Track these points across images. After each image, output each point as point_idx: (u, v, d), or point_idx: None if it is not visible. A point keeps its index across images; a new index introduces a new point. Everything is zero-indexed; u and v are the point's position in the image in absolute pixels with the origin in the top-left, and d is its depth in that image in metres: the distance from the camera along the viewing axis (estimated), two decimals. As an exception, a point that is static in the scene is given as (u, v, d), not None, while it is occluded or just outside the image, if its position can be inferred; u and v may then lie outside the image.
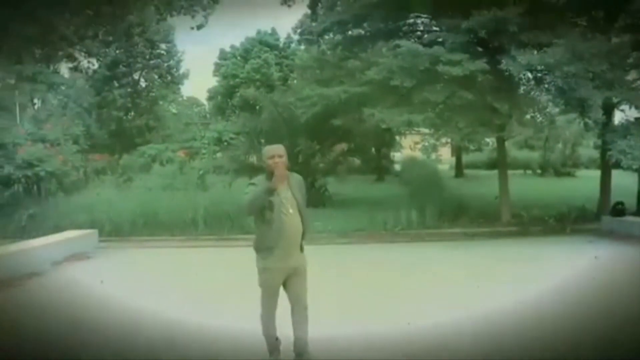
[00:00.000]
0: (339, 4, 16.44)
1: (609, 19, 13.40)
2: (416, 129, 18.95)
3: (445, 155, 34.14)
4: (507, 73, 12.57)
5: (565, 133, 26.18)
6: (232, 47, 39.35)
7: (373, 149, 25.13)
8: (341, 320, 6.22)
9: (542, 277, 8.46)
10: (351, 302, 7.11)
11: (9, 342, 5.72)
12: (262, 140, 17.75)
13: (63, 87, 29.10)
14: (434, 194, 16.23)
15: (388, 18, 14.68)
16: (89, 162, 21.13)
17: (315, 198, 16.47)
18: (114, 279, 8.89)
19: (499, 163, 15.60)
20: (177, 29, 32.57)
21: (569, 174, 28.27)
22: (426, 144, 30.41)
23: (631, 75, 13.00)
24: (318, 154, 17.46)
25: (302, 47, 28.35)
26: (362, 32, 15.78)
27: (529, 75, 13.55)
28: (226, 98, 36.90)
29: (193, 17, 16.99)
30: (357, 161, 21.33)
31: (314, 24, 17.54)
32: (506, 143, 15.96)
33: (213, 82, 39.95)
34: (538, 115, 14.45)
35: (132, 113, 33.55)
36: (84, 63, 31.09)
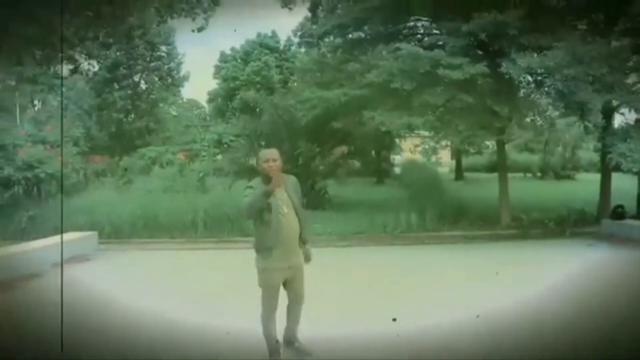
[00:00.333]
0: (339, 7, 16.49)
1: (609, 22, 13.44)
2: (416, 131, 18.97)
3: (445, 158, 34.12)
4: (507, 76, 12.58)
5: (565, 136, 26.21)
6: (233, 49, 39.38)
7: (373, 152, 25.13)
8: (341, 320, 6.23)
9: (541, 279, 8.46)
10: (351, 303, 7.12)
11: (9, 343, 5.72)
12: (263, 143, 17.75)
13: (63, 89, 29.12)
14: (433, 196, 16.23)
15: (388, 21, 14.71)
16: (89, 164, 21.13)
17: (315, 200, 16.47)
18: (113, 281, 8.89)
19: (499, 166, 15.61)
20: (177, 31, 32.58)
21: (568, 177, 28.27)
22: (426, 146, 30.38)
23: (631, 79, 13.01)
24: (318, 156, 17.45)
25: (303, 49, 28.39)
26: (363, 35, 15.81)
27: (529, 78, 13.55)
28: (226, 100, 36.91)
29: (194, 19, 17.05)
30: (357, 164, 21.31)
31: (314, 26, 17.60)
32: (506, 146, 15.97)
33: (213, 84, 39.97)
34: (538, 119, 14.46)
35: (132, 115, 33.55)
36: (84, 65, 31.09)
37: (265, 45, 38.24)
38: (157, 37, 32.37)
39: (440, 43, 13.21)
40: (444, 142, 22.12)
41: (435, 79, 12.46)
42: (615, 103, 13.07)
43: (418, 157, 30.71)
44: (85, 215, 13.46)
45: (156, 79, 34.62)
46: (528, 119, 14.31)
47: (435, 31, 14.91)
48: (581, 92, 11.79)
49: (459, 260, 10.47)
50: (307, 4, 18.24)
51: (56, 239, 11.13)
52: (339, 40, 16.41)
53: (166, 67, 34.65)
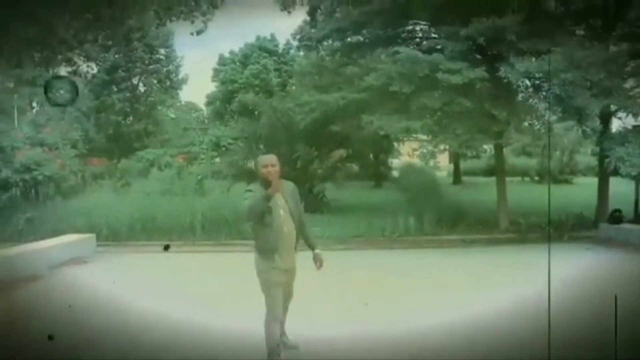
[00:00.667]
0: (338, 11, 16.49)
1: (607, 27, 13.47)
2: (414, 135, 18.97)
3: (443, 162, 34.16)
4: (505, 80, 12.62)
5: (563, 140, 26.24)
6: (231, 52, 39.37)
7: (371, 156, 25.11)
8: (341, 322, 6.25)
9: (539, 283, 8.44)
10: (350, 305, 7.12)
11: (7, 345, 5.71)
12: (261, 146, 17.75)
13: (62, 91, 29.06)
14: (432, 200, 16.24)
15: (387, 25, 14.73)
16: (87, 166, 21.10)
17: (313, 204, 16.45)
18: (111, 283, 8.88)
19: (497, 170, 15.64)
20: (176, 34, 32.56)
21: (566, 181, 28.29)
22: (424, 150, 30.39)
23: (629, 83, 13.05)
24: (316, 159, 17.45)
25: (301, 53, 28.37)
26: (361, 38, 15.82)
27: (527, 82, 13.59)
28: (225, 103, 36.84)
29: (193, 22, 17.02)
30: (355, 167, 21.31)
31: (313, 30, 17.58)
32: (504, 150, 16.00)
33: (212, 87, 39.93)
34: (536, 123, 14.49)
35: (131, 118, 33.51)
36: (83, 67, 31.04)
37: (264, 48, 38.23)
38: (156, 39, 32.33)
39: (439, 47, 13.24)
40: (442, 146, 22.17)
41: (433, 83, 12.49)
42: (613, 108, 13.09)
43: (416, 160, 30.75)
44: (83, 217, 13.48)
45: (155, 81, 34.58)
46: (526, 123, 14.33)
47: (433, 35, 14.94)
48: (579, 96, 11.82)
49: (457, 264, 10.47)
50: (306, 8, 18.24)
51: (54, 241, 11.14)
52: (337, 44, 16.43)
53: (165, 69, 34.62)
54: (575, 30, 13.84)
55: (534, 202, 17.45)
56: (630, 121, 13.30)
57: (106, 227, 13.21)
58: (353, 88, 14.74)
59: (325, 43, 17.16)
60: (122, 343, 5.78)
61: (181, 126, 36.71)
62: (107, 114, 32.01)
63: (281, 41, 39.10)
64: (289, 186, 5.14)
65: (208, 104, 41.61)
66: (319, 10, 17.41)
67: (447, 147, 22.49)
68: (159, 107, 35.93)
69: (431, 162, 31.74)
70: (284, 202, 4.98)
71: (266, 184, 4.81)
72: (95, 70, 32.02)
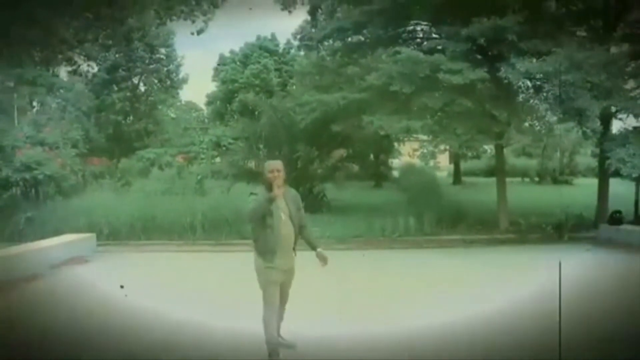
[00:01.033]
0: (339, 11, 16.52)
1: (608, 28, 13.48)
2: (415, 135, 18.98)
3: (443, 163, 34.18)
4: (506, 81, 12.63)
5: (563, 141, 26.26)
6: (232, 52, 39.38)
7: (371, 156, 25.13)
8: (341, 321, 6.25)
9: (539, 284, 8.46)
10: (350, 305, 7.13)
11: (8, 345, 5.72)
12: (261, 146, 17.77)
13: (62, 91, 29.10)
14: (432, 200, 16.24)
15: (388, 25, 14.73)
16: (87, 166, 21.10)
17: (314, 204, 16.47)
18: (111, 283, 8.88)
19: (497, 170, 15.65)
20: (177, 34, 32.58)
21: (566, 182, 28.31)
22: (424, 150, 30.41)
23: (629, 84, 13.06)
24: (317, 159, 17.47)
25: (302, 53, 28.39)
26: (362, 38, 15.84)
27: (528, 83, 13.60)
28: (225, 103, 36.88)
29: (193, 22, 17.02)
30: (355, 167, 21.33)
31: (314, 30, 17.63)
32: (504, 150, 16.01)
33: (212, 87, 39.95)
34: (536, 124, 14.49)
35: (131, 117, 33.54)
36: (84, 67, 31.04)
37: (265, 48, 38.25)
38: (157, 39, 32.35)
39: (440, 47, 13.25)
40: (442, 146, 22.20)
41: (434, 83, 12.49)
42: (613, 109, 13.10)
43: (416, 161, 30.77)
44: (83, 217, 13.47)
45: (155, 81, 34.62)
46: (526, 124, 14.34)
47: (434, 35, 14.96)
48: (579, 98, 11.84)
49: (457, 264, 10.48)
50: (307, 7, 18.27)
51: (54, 240, 11.15)
52: (338, 44, 16.44)
53: (165, 69, 34.66)
54: (576, 32, 13.85)
55: (534, 202, 17.49)
56: (631, 122, 13.33)
57: (107, 227, 13.19)
58: (354, 88, 14.75)
59: (326, 43, 17.18)
60: (123, 343, 5.78)
61: (181, 126, 36.75)
62: (107, 113, 32.05)
63: (282, 41, 39.14)
64: (292, 192, 5.41)
65: (208, 103, 41.65)
66: (319, 10, 17.45)
67: (448, 147, 22.52)
68: (160, 107, 35.98)
69: (431, 163, 31.78)
70: (285, 206, 5.20)
71: (270, 188, 5.06)
72: (95, 70, 32.06)
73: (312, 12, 17.94)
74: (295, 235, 5.26)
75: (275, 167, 5.19)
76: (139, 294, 7.94)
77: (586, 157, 28.63)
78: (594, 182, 16.16)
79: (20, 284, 8.56)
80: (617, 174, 13.17)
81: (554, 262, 10.47)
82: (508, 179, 15.72)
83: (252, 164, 18.08)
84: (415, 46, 14.75)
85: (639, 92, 13.25)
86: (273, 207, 5.06)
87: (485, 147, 24.18)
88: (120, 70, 32.37)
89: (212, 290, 8.11)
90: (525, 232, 13.54)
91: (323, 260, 5.30)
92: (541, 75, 12.48)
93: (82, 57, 28.09)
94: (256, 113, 21.61)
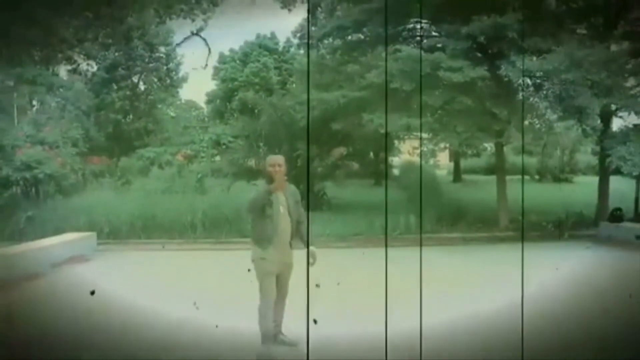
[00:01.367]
0: (338, 9, 16.49)
1: (608, 26, 13.47)
2: (415, 133, 18.96)
3: (443, 161, 34.11)
4: (506, 79, 12.62)
5: (563, 139, 26.23)
6: (231, 50, 39.29)
7: (371, 154, 25.08)
8: (341, 320, 6.24)
9: (539, 282, 8.47)
10: (350, 304, 7.12)
11: (8, 344, 5.71)
12: (261, 144, 17.74)
13: (61, 90, 29.02)
14: (432, 198, 16.23)
15: (388, 23, 14.70)
16: (87, 164, 21.08)
17: (314, 202, 16.47)
18: (112, 282, 8.90)
19: (498, 168, 15.64)
20: (176, 33, 32.47)
21: (567, 180, 28.27)
22: (424, 149, 30.31)
23: (630, 82, 13.05)
24: (317, 158, 17.46)
25: (302, 51, 28.34)
26: (362, 36, 15.82)
27: (528, 81, 13.60)
28: (225, 102, 36.76)
29: (193, 20, 17.04)
30: (355, 165, 21.30)
31: (313, 28, 17.57)
32: (504, 148, 16.00)
33: (212, 85, 39.86)
34: (537, 122, 14.49)
35: (131, 116, 33.46)
36: (83, 65, 30.97)
37: (264, 46, 38.12)
38: (156, 38, 32.26)
39: (440, 45, 13.24)
40: (442, 144, 22.17)
41: (434, 81, 12.49)
42: (613, 107, 13.10)
43: (416, 159, 30.70)
44: (84, 215, 13.48)
45: (155, 79, 34.51)
46: (527, 122, 14.34)
47: (434, 33, 14.95)
48: (580, 96, 11.83)
49: (458, 262, 10.49)
50: (307, 5, 18.24)
51: (55, 239, 11.16)
52: (338, 42, 16.43)
53: (165, 68, 34.54)
54: (576, 29, 13.84)
55: (534, 200, 17.48)
56: (631, 120, 13.33)
57: (107, 226, 13.22)
58: (353, 86, 14.74)
59: (325, 41, 17.15)
60: (123, 341, 5.77)
61: (181, 124, 36.61)
62: (107, 112, 31.94)
63: (281, 39, 39.02)
64: (291, 188, 5.61)
65: (208, 102, 41.53)
66: (319, 8, 17.41)
67: (448, 145, 22.48)
68: (159, 106, 35.85)
69: (431, 161, 31.71)
70: (285, 200, 5.42)
71: (271, 181, 5.32)
72: (95, 69, 31.98)
73: (312, 11, 17.89)
74: (292, 229, 5.46)
75: (276, 161, 5.47)
76: (139, 293, 7.96)
77: (586, 155, 28.56)
78: (594, 180, 16.16)
79: (21, 283, 8.57)
80: (617, 171, 13.17)
81: (555, 260, 10.54)
82: (508, 177, 15.71)
83: (252, 163, 18.06)
84: (415, 44, 14.75)
85: (639, 90, 13.25)
86: (273, 198, 5.30)
87: (485, 145, 24.12)
88: (119, 69, 32.22)
89: (213, 288, 8.10)
90: (526, 229, 13.55)
91: (312, 258, 5.39)
92: (541, 73, 12.48)
93: (81, 56, 28.08)
94: (256, 111, 21.59)
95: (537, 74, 12.75)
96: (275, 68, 36.77)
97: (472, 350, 5.46)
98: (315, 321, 5.52)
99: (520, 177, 28.55)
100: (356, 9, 14.67)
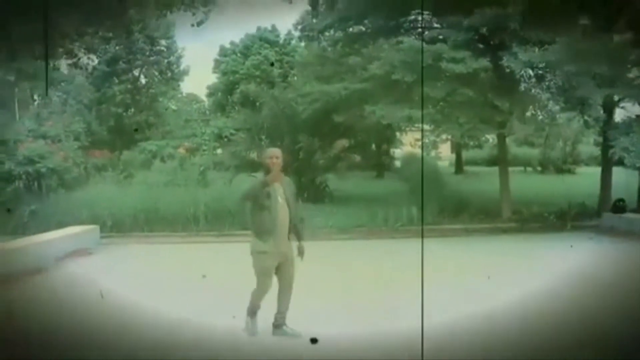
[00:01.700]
0: (339, 1, 16.42)
1: (611, 17, 13.40)
2: (417, 125, 18.93)
3: (445, 152, 34.08)
4: (508, 70, 12.59)
5: (565, 130, 26.19)
6: (232, 43, 39.20)
7: (373, 146, 25.08)
8: (342, 319, 6.23)
9: (542, 273, 8.49)
10: (353, 299, 7.13)
11: (11, 338, 5.73)
12: (263, 137, 17.75)
13: (63, 84, 29.05)
14: (434, 190, 16.23)
15: (389, 15, 14.67)
16: (89, 158, 21.09)
17: (316, 194, 16.50)
18: (116, 274, 8.94)
19: (500, 160, 15.63)
20: (177, 26, 32.37)
21: (569, 171, 28.25)
22: (426, 140, 30.28)
23: (633, 73, 13.01)
24: (319, 150, 17.45)
25: (303, 43, 28.25)
26: (363, 28, 15.79)
27: (530, 72, 13.56)
28: (226, 94, 36.73)
29: (194, 14, 16.96)
30: (357, 158, 21.29)
31: (314, 20, 17.53)
32: (506, 140, 15.99)
33: (213, 78, 39.78)
34: (539, 113, 14.48)
35: (132, 109, 33.45)
36: (84, 59, 30.92)
37: (265, 39, 38.06)
38: (157, 31, 32.21)
39: (442, 37, 13.21)
40: (444, 136, 22.15)
41: (436, 73, 12.46)
42: (616, 97, 13.07)
43: (418, 151, 30.66)
44: (86, 209, 13.52)
45: (156, 73, 34.47)
46: (529, 113, 14.32)
47: (436, 25, 14.90)
48: (582, 87, 11.80)
49: (460, 254, 10.50)
50: (308, -2, 18.14)
51: (58, 233, 11.19)
52: (339, 34, 16.39)
53: (166, 61, 34.49)
54: (579, 20, 13.77)
55: (537, 191, 17.49)
56: (634, 110, 13.30)
57: (110, 219, 13.25)
58: (355, 78, 14.71)
59: (327, 33, 17.11)
60: (123, 341, 5.69)
61: (183, 117, 36.60)
62: (108, 105, 31.95)
63: (282, 32, 38.89)
64: (287, 180, 5.78)
65: (209, 95, 41.49)
66: (320, 0, 17.34)
67: (449, 137, 22.45)
68: (160, 99, 35.84)
69: (433, 153, 31.69)
70: (282, 191, 5.57)
71: (268, 172, 5.46)
72: (96, 62, 31.94)
73: (313, 3, 17.82)
74: (291, 219, 5.58)
75: (274, 153, 5.61)
76: (143, 286, 7.99)
77: (589, 146, 28.52)
78: (596, 170, 16.16)
79: (24, 277, 8.59)
80: (620, 162, 13.15)
81: (558, 251, 10.55)
82: (510, 169, 15.72)
83: (254, 155, 18.05)
84: (417, 36, 14.71)
85: (642, 80, 13.22)
86: (271, 190, 5.44)
87: (487, 136, 24.09)
88: (120, 62, 32.22)
89: (216, 281, 8.10)
90: (528, 221, 13.56)
91: (301, 253, 5.67)
92: (543, 64, 12.44)
93: (82, 49, 28.03)
94: (257, 104, 21.58)
95: (539, 65, 12.72)
96: (277, 60, 36.68)
97: (471, 350, 5.42)
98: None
99: (522, 168, 28.64)
100: (357, 0, 14.62)
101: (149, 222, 13.51)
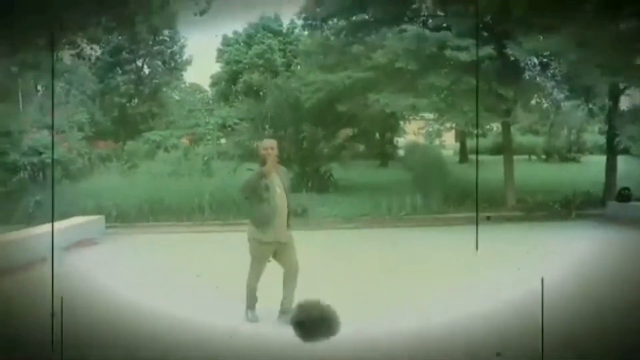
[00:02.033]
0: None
1: (617, 4, 13.29)
2: (420, 114, 18.88)
3: (449, 141, 33.98)
4: (512, 58, 12.53)
5: (570, 118, 26.07)
6: (235, 32, 39.06)
7: (377, 135, 25.05)
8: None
9: (546, 261, 8.48)
10: (357, 287, 7.12)
11: (17, 328, 5.76)
12: (267, 126, 17.73)
13: (66, 75, 29.00)
14: (438, 179, 16.20)
15: (393, 3, 14.59)
16: (94, 149, 21.13)
17: (320, 184, 16.51)
18: (121, 264, 8.98)
19: (505, 148, 15.60)
20: (180, 15, 32.24)
21: (574, 160, 28.16)
22: (430, 129, 30.18)
23: (639, 60, 12.92)
24: (323, 139, 17.44)
25: (306, 32, 28.12)
26: (367, 17, 15.71)
27: (535, 60, 13.49)
28: (230, 84, 36.68)
29: (196, 3, 16.87)
30: (361, 147, 21.27)
31: (318, 9, 17.43)
32: (511, 128, 15.94)
33: (216, 68, 39.69)
34: (544, 101, 14.42)
35: (136, 100, 33.45)
36: (87, 50, 30.88)
37: (268, 28, 37.94)
38: (160, 21, 32.06)
39: (445, 25, 13.14)
40: (448, 124, 22.06)
41: (440, 61, 12.42)
42: (621, 85, 12.99)
43: (422, 139, 30.58)
44: (91, 199, 13.55)
45: (159, 63, 34.42)
46: (533, 102, 14.27)
47: (440, 13, 14.81)
48: (587, 75, 11.74)
49: (464, 242, 10.50)
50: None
51: (64, 223, 11.23)
52: (343, 23, 16.32)
53: (169, 51, 34.43)
54: (585, 7, 13.67)
55: (541, 180, 17.45)
56: (640, 98, 13.24)
57: (114, 209, 13.29)
58: (359, 67, 14.67)
59: (330, 22, 17.04)
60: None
61: (186, 107, 36.57)
62: (112, 96, 31.95)
63: (285, 21, 38.72)
64: (282, 169, 5.86)
65: (213, 84, 41.40)
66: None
67: (454, 125, 22.35)
68: (164, 89, 35.80)
69: (437, 141, 31.58)
70: (280, 180, 5.68)
71: (264, 163, 5.51)
72: (99, 53, 31.89)
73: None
74: (289, 207, 5.70)
75: (269, 144, 5.68)
76: (148, 276, 8.03)
77: (594, 135, 28.40)
78: (601, 159, 16.10)
79: (30, 267, 8.63)
80: (625, 151, 13.11)
81: (562, 239, 10.53)
82: (515, 157, 15.67)
83: (258, 145, 18.01)
84: (421, 24, 14.63)
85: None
86: (269, 181, 5.52)
87: (492, 125, 24.01)
88: (123, 52, 32.19)
89: (220, 271, 8.09)
90: (533, 209, 13.54)
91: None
92: (548, 52, 12.37)
93: (85, 40, 27.94)
94: (261, 94, 21.55)
95: (544, 53, 12.65)
96: (280, 50, 36.56)
97: (472, 339, 5.40)
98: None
99: (527, 157, 28.55)
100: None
101: (154, 212, 13.54)
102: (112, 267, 8.80)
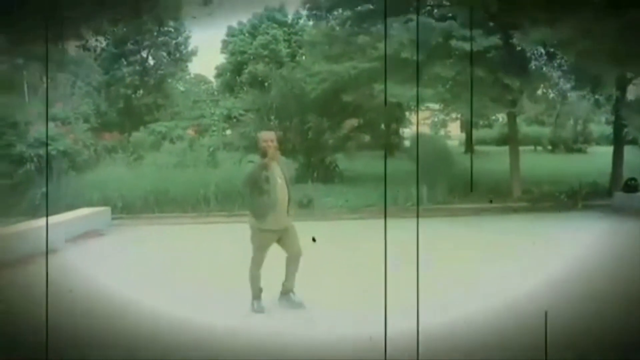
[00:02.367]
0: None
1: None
2: (426, 104, 18.82)
3: (454, 131, 33.88)
4: (518, 48, 12.46)
5: (577, 109, 25.94)
6: (240, 23, 38.91)
7: (382, 125, 24.96)
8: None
9: (552, 252, 8.48)
10: (360, 283, 7.09)
11: (22, 320, 5.78)
12: (272, 117, 17.70)
13: (72, 66, 29.02)
14: (444, 169, 16.15)
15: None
16: (99, 140, 21.17)
17: (326, 174, 16.49)
18: (127, 255, 9.02)
19: (510, 139, 15.53)
20: (184, 6, 32.16)
21: (580, 150, 28.03)
22: (435, 119, 30.14)
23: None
24: (328, 130, 17.41)
25: (311, 22, 28.03)
26: (372, 7, 15.62)
27: (541, 50, 13.41)
28: (235, 75, 36.59)
29: (201, -5, 16.84)
30: (366, 137, 21.22)
31: (322, -1, 17.37)
32: (517, 119, 15.87)
33: (221, 59, 39.60)
34: (550, 91, 14.34)
35: (141, 91, 33.44)
36: (92, 41, 30.86)
37: (273, 18, 37.79)
38: (165, 11, 31.99)
39: (451, 15, 13.06)
40: (453, 115, 22.00)
41: (446, 51, 12.36)
42: (629, 75, 12.90)
43: (427, 130, 30.51)
44: (97, 191, 13.59)
45: (164, 54, 34.37)
46: (539, 92, 14.19)
47: (445, 3, 14.73)
48: (593, 65, 11.66)
49: (471, 233, 10.50)
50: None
51: (70, 214, 11.28)
52: (348, 13, 16.25)
53: (174, 42, 34.36)
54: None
55: (547, 171, 17.39)
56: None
57: (120, 200, 13.32)
58: (364, 57, 14.61)
59: (335, 12, 16.97)
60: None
61: (191, 98, 36.54)
62: (117, 87, 31.94)
63: (290, 11, 38.54)
64: (283, 159, 6.01)
65: (218, 75, 41.31)
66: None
67: (459, 116, 22.29)
68: (169, 80, 35.76)
69: (442, 131, 31.51)
70: (280, 171, 5.79)
71: (265, 156, 5.64)
72: (104, 44, 31.85)
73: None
74: (289, 197, 5.81)
75: (268, 137, 5.82)
76: (154, 267, 8.07)
77: (600, 125, 28.26)
78: (607, 149, 16.03)
79: (37, 259, 8.66)
80: (632, 141, 13.04)
81: (569, 230, 10.51)
82: (520, 148, 15.62)
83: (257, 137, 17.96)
84: (427, 14, 14.54)
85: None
86: (270, 173, 5.63)
87: (497, 115, 23.94)
88: (128, 44, 32.14)
89: (226, 262, 8.10)
90: (538, 200, 13.51)
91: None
92: (555, 42, 12.29)
93: (90, 32, 27.90)
94: (266, 84, 21.51)
95: (551, 43, 12.56)
96: (285, 40, 36.44)
97: (481, 330, 5.40)
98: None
99: (532, 147, 28.43)
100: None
101: (159, 203, 13.58)
102: (117, 259, 8.84)
